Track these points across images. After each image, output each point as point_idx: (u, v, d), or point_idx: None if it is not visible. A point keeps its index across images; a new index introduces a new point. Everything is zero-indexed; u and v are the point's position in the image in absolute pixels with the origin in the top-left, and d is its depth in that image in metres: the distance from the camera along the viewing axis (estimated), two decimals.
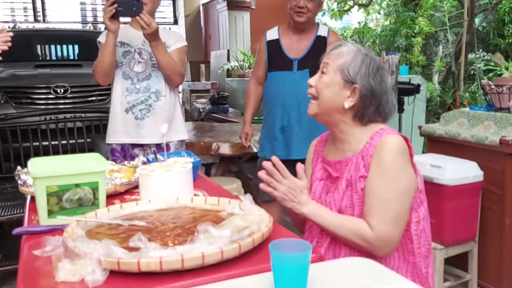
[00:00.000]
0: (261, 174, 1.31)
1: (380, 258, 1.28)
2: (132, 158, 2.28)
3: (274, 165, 1.30)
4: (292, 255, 0.81)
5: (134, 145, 2.32)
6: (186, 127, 4.17)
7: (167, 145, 2.30)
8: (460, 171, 2.24)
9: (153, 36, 2.15)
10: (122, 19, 2.18)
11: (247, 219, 1.06)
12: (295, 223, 1.51)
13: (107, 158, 2.19)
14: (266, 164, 1.29)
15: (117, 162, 2.20)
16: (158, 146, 2.30)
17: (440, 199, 2.19)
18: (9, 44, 2.02)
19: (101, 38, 2.27)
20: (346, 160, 1.35)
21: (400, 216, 1.26)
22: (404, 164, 1.28)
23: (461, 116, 2.56)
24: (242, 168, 3.73)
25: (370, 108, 1.32)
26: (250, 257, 0.97)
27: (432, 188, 2.20)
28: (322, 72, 1.35)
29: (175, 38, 2.33)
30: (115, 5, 2.07)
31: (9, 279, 2.66)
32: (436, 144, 2.61)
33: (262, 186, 1.32)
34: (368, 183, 1.28)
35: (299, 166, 1.31)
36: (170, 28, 8.92)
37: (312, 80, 1.37)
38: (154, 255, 0.88)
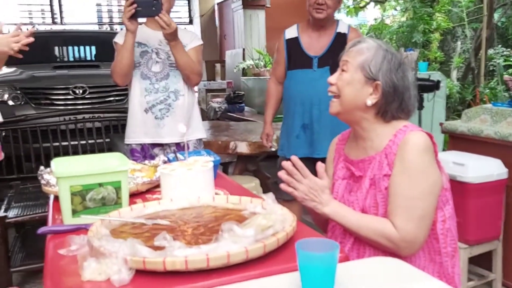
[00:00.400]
0: (281, 174, 1.30)
1: (406, 258, 1.25)
2: (152, 158, 2.27)
3: (293, 165, 1.28)
4: (319, 255, 0.79)
5: (154, 145, 2.32)
6: (203, 126, 4.19)
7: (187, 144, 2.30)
8: (484, 169, 2.19)
9: (172, 36, 2.14)
10: (140, 19, 2.18)
11: (270, 218, 1.05)
12: (317, 222, 1.49)
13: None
14: (285, 164, 1.28)
15: (137, 162, 2.22)
16: (178, 145, 2.30)
17: (463, 197, 2.15)
18: (26, 48, 2.03)
19: (118, 39, 2.28)
20: (369, 159, 1.33)
21: (425, 215, 1.23)
22: (429, 161, 1.25)
23: (483, 112, 2.51)
24: (259, 166, 3.73)
25: (393, 104, 1.29)
26: (275, 257, 0.96)
27: (455, 186, 2.14)
28: (342, 70, 1.33)
29: (191, 37, 2.33)
30: (135, 5, 2.06)
31: (32, 278, 2.70)
32: (458, 141, 2.56)
33: (282, 186, 1.30)
34: (392, 181, 1.26)
35: (319, 165, 1.29)
36: (185, 28, 8.97)
37: (332, 78, 1.35)
38: (179, 254, 0.88)
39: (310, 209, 1.33)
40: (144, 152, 2.32)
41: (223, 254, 0.88)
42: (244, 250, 0.90)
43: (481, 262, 2.39)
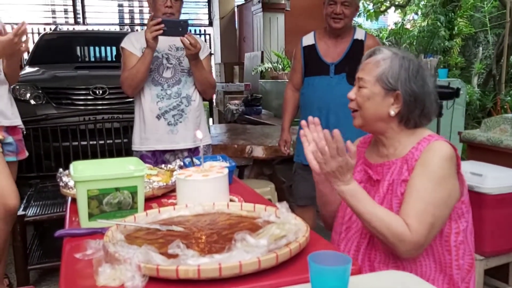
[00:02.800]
0: (321, 142, 1.18)
1: (416, 267, 1.26)
2: (164, 163, 2.25)
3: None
4: (332, 269, 0.79)
5: (165, 151, 2.30)
6: (220, 129, 4.22)
7: (196, 150, 2.32)
8: (502, 180, 2.16)
9: (194, 56, 2.16)
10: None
11: (283, 228, 1.06)
12: (324, 215, 1.48)
13: None
14: (327, 135, 1.16)
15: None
16: (189, 150, 2.31)
17: (481, 208, 2.11)
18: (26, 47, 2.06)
19: (126, 45, 2.26)
20: (389, 164, 1.32)
21: (436, 223, 1.21)
22: (450, 170, 1.24)
23: (503, 122, 2.47)
24: (275, 170, 3.73)
25: (415, 112, 1.29)
26: (287, 267, 0.96)
27: (472, 197, 2.11)
28: (360, 87, 1.32)
29: (202, 46, 2.28)
30: (162, 25, 2.05)
31: (48, 275, 2.74)
32: (477, 151, 2.52)
33: (309, 154, 1.21)
34: (410, 183, 1.24)
35: (349, 143, 1.20)
36: (205, 30, 9.03)
37: (351, 94, 1.34)
38: (192, 263, 0.88)
39: (323, 199, 1.35)
40: (156, 158, 2.31)
41: (236, 263, 0.89)
42: (256, 260, 0.90)
43: (497, 274, 2.35)
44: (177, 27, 2.08)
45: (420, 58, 3.79)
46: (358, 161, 1.43)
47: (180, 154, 2.30)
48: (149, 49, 2.13)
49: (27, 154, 2.35)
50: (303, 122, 1.25)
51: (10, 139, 2.21)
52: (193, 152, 2.31)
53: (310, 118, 1.25)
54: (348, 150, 1.18)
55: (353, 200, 1.20)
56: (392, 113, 1.29)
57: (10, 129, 2.23)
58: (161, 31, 2.07)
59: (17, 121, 2.27)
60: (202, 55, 2.27)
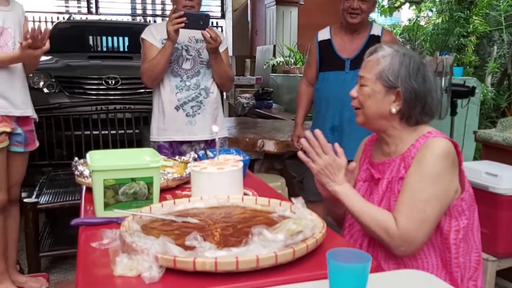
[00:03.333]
0: (303, 141, 1.29)
1: (417, 264, 1.27)
2: (181, 154, 2.28)
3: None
4: (351, 266, 0.79)
5: (183, 142, 2.32)
6: (230, 123, 4.21)
7: (213, 141, 2.32)
8: None
9: (215, 49, 2.17)
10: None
11: (300, 224, 1.05)
12: (332, 215, 1.50)
13: None
14: (309, 135, 1.27)
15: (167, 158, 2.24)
16: (206, 142, 2.32)
17: (495, 208, 2.10)
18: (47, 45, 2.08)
19: (146, 36, 2.27)
20: (389, 162, 1.34)
21: (428, 219, 1.21)
22: (445, 168, 1.23)
23: None
24: (286, 165, 3.72)
25: (416, 109, 1.29)
26: (304, 263, 0.96)
27: (487, 197, 2.11)
28: (361, 85, 1.34)
29: (222, 39, 2.27)
30: (184, 18, 2.06)
31: (59, 263, 2.77)
32: (492, 151, 2.50)
33: (300, 154, 1.31)
34: (405, 180, 1.26)
35: (338, 145, 1.28)
36: (217, 23, 9.01)
37: (353, 92, 1.37)
38: (209, 255, 0.88)
39: (328, 203, 1.36)
40: (173, 149, 2.32)
41: (253, 257, 0.88)
42: (273, 255, 0.90)
43: (509, 275, 2.33)
44: (199, 21, 2.09)
45: (435, 56, 3.75)
46: (364, 160, 1.45)
47: (197, 145, 2.31)
48: (170, 42, 2.13)
49: (37, 144, 2.33)
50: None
51: (19, 130, 2.19)
52: (209, 144, 2.32)
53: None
54: (335, 151, 1.26)
55: (345, 199, 1.25)
56: (394, 110, 1.30)
57: (21, 120, 2.20)
58: (182, 24, 2.07)
59: (28, 111, 2.22)
60: (221, 48, 2.27)
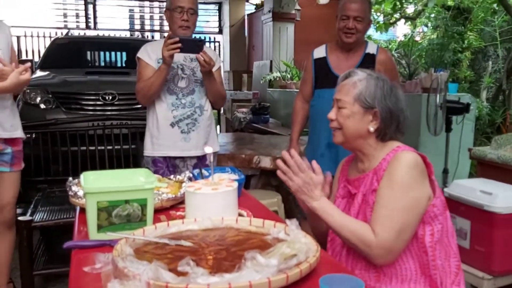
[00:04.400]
0: (279, 162, 1.38)
1: (396, 271, 1.31)
2: (174, 167, 2.38)
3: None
4: None
5: (176, 157, 2.38)
6: (227, 138, 4.22)
7: (204, 157, 2.41)
8: None
9: (208, 72, 2.24)
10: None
11: (294, 247, 1.05)
12: (314, 230, 1.53)
13: (148, 169, 2.26)
14: (285, 154, 1.37)
15: (159, 172, 2.26)
16: (198, 157, 2.40)
17: (491, 227, 2.10)
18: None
19: (142, 55, 2.33)
20: (363, 177, 1.41)
21: (405, 229, 1.27)
22: (415, 178, 1.30)
23: None
24: (282, 181, 3.71)
25: (391, 127, 1.39)
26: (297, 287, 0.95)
27: (482, 215, 2.12)
28: (339, 107, 1.42)
29: (214, 57, 2.34)
30: (179, 44, 2.10)
31: (53, 281, 2.74)
32: (487, 168, 2.50)
33: (278, 173, 1.39)
34: (377, 193, 1.33)
35: (314, 163, 1.37)
36: (214, 38, 9.07)
37: (332, 115, 1.45)
38: (202, 282, 0.88)
39: (311, 219, 1.45)
40: (167, 163, 2.38)
41: (246, 284, 0.88)
42: (266, 281, 0.89)
43: None
44: (193, 46, 2.15)
45: (430, 73, 3.78)
46: (342, 178, 1.53)
47: (189, 160, 2.40)
48: (165, 66, 2.19)
49: (23, 165, 2.35)
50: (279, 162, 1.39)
51: (8, 149, 2.22)
52: (201, 159, 2.41)
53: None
54: (313, 168, 1.34)
55: (323, 214, 1.32)
56: (372, 129, 1.39)
57: (9, 140, 2.22)
58: (178, 50, 2.12)
59: (16, 133, 2.25)
60: (214, 68, 2.33)
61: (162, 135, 2.33)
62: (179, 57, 2.31)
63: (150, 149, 2.39)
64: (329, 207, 1.33)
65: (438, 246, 1.33)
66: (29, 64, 2.13)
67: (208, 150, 1.45)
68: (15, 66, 2.09)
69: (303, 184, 1.33)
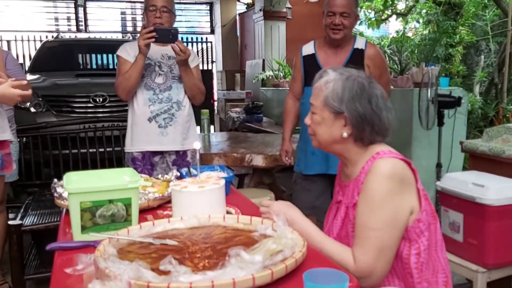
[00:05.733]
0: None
1: None
2: (152, 165, 2.42)
3: None
4: (327, 287, 0.77)
5: (154, 153, 2.42)
6: (220, 137, 4.19)
7: (184, 153, 2.46)
8: (505, 191, 2.12)
9: (184, 62, 2.29)
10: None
11: (280, 243, 1.03)
12: None
13: (127, 167, 2.33)
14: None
15: (137, 170, 2.28)
16: (177, 153, 2.44)
17: (483, 219, 2.08)
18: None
19: (121, 53, 2.39)
20: (347, 185, 1.34)
21: (385, 247, 1.19)
22: (392, 189, 1.20)
23: (505, 132, 2.44)
24: (275, 179, 3.70)
25: (366, 131, 1.28)
26: (283, 284, 0.93)
27: (474, 208, 2.10)
28: (312, 113, 1.34)
29: (192, 55, 2.42)
30: (154, 33, 2.19)
31: (45, 285, 2.70)
32: (479, 161, 2.49)
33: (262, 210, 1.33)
34: (356, 210, 1.25)
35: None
36: (206, 38, 9.05)
37: (307, 120, 1.37)
38: (184, 280, 0.86)
39: None
40: (145, 160, 2.41)
41: (229, 281, 0.86)
42: (250, 277, 0.88)
43: (500, 286, 2.31)
44: (168, 35, 2.22)
45: (421, 67, 3.77)
46: (338, 182, 1.45)
47: (168, 156, 2.44)
48: (141, 55, 2.26)
49: (14, 168, 2.33)
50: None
51: None
52: (181, 155, 2.46)
53: None
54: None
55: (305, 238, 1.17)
56: (345, 135, 1.29)
57: None
58: (153, 39, 2.21)
59: (4, 135, 2.22)
60: (193, 64, 2.40)
61: (140, 130, 2.38)
62: (156, 55, 2.38)
63: (130, 144, 2.43)
64: (306, 229, 1.25)
65: (424, 267, 1.24)
66: (25, 82, 2.11)
67: (197, 145, 1.43)
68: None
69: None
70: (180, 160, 2.43)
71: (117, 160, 3.59)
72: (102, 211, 1.20)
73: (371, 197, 1.21)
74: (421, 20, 7.75)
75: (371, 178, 1.22)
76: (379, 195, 1.20)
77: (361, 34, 7.38)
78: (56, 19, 8.66)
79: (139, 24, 9.43)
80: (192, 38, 8.84)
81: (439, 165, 3.36)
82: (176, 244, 1.09)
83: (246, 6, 8.66)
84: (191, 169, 1.75)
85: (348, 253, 1.21)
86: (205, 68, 8.53)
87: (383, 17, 7.45)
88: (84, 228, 1.20)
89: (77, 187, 1.19)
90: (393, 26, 8.74)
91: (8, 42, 7.76)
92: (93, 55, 5.60)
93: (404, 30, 7.75)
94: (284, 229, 1.12)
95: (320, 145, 1.35)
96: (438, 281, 1.27)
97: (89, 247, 1.15)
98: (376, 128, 1.28)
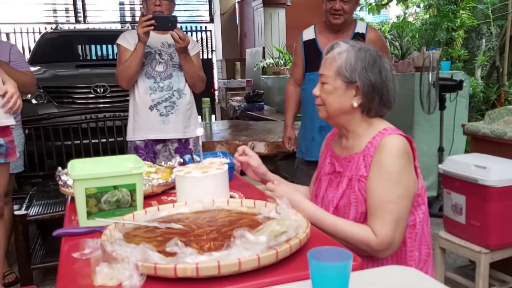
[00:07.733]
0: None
1: (374, 261, 1.29)
2: (155, 153, 2.43)
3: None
4: (332, 265, 0.78)
5: (157, 141, 2.43)
6: (222, 126, 4.20)
7: (187, 141, 2.47)
8: (507, 172, 2.12)
9: (183, 49, 2.29)
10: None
11: (284, 224, 1.04)
12: None
13: None
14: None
15: (142, 159, 2.29)
16: (179, 141, 2.45)
17: (485, 201, 2.09)
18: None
19: (121, 41, 2.39)
20: (350, 157, 1.37)
21: (401, 218, 1.26)
22: (404, 165, 1.27)
23: (507, 113, 2.44)
24: (277, 166, 3.71)
25: (375, 101, 1.33)
26: (288, 264, 0.95)
27: (476, 189, 2.11)
28: (322, 83, 1.37)
29: (192, 44, 2.42)
30: (153, 21, 2.19)
31: (52, 275, 2.74)
32: (481, 143, 2.49)
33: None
34: (368, 185, 1.29)
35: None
36: (206, 27, 9.00)
37: (316, 91, 1.39)
38: (190, 261, 0.87)
39: None
40: (148, 149, 2.42)
41: (235, 261, 0.87)
42: (255, 258, 0.89)
43: (503, 267, 2.33)
44: (167, 22, 2.22)
45: (422, 51, 3.75)
46: (327, 154, 1.49)
47: (170, 145, 2.45)
48: (141, 43, 2.26)
49: (17, 155, 2.32)
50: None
51: (1, 140, 2.17)
52: (183, 143, 2.47)
53: None
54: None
55: (313, 222, 1.23)
56: (355, 104, 1.32)
57: (1, 131, 2.18)
58: (152, 27, 2.21)
59: (7, 121, 2.16)
60: (193, 52, 2.40)
61: (141, 118, 2.39)
62: (157, 43, 2.38)
63: (132, 133, 2.44)
64: (315, 212, 1.28)
65: (418, 237, 1.32)
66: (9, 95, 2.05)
67: (200, 132, 1.44)
68: None
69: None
70: (183, 148, 2.44)
71: (119, 150, 3.59)
72: (107, 197, 1.21)
73: (387, 173, 1.25)
74: (421, 5, 7.69)
75: (385, 154, 1.27)
76: (394, 171, 1.25)
77: (362, 19, 7.33)
78: (55, 10, 8.63)
79: (138, 14, 9.39)
80: (191, 27, 8.80)
81: (441, 149, 3.37)
82: (182, 228, 1.10)
83: None
84: (194, 156, 1.76)
85: (366, 229, 1.25)
86: (205, 57, 8.51)
87: (383, 2, 7.40)
88: (90, 214, 1.21)
89: (82, 173, 1.20)
90: (394, 11, 8.67)
91: (7, 34, 7.74)
92: (93, 46, 5.59)
93: (404, 15, 7.69)
94: (288, 211, 1.13)
95: (328, 115, 1.37)
96: (421, 252, 1.34)
97: (96, 232, 1.16)
98: (384, 99, 1.33)
